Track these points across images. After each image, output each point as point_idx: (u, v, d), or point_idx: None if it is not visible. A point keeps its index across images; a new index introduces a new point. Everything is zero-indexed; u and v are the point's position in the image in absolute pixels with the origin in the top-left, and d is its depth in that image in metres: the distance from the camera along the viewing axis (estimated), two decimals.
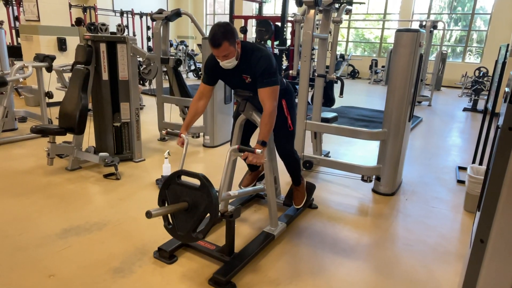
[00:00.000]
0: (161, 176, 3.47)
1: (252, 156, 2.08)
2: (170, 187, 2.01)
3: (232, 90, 2.87)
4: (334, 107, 5.30)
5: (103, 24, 3.62)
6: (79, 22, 8.58)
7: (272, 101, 2.14)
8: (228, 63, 2.17)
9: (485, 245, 1.36)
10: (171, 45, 10.91)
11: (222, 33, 2.04)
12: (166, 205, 2.01)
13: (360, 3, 5.08)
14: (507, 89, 1.46)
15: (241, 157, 2.15)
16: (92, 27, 3.62)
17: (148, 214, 1.72)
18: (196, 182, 1.94)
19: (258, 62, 2.17)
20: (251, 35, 13.09)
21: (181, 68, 7.42)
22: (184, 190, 1.96)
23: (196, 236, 1.90)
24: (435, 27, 8.09)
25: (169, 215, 1.99)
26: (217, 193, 1.92)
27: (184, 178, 2.01)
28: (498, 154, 1.28)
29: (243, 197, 3.04)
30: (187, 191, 1.95)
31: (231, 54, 2.13)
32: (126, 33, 3.78)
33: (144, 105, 6.98)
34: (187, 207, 1.91)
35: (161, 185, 2.05)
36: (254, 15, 13.63)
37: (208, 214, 1.90)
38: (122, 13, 12.65)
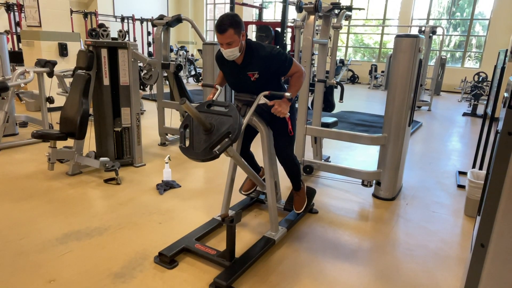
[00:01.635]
0: (162, 180, 3.48)
1: (278, 104, 2.22)
2: None
3: (233, 95, 2.89)
4: (334, 112, 5.31)
5: (105, 30, 3.64)
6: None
7: (299, 68, 2.36)
8: (230, 53, 2.20)
9: (486, 249, 1.37)
10: (172, 50, 10.96)
11: (229, 21, 2.12)
12: (188, 130, 2.08)
13: (360, 9, 5.12)
14: (506, 94, 1.47)
15: (269, 103, 2.26)
16: (93, 33, 3.63)
17: (182, 100, 1.77)
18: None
19: (270, 59, 2.26)
20: None
21: (181, 73, 7.44)
22: (209, 115, 2.04)
23: (213, 153, 1.93)
24: (434, 32, 8.13)
25: (187, 136, 2.07)
26: (241, 118, 2.02)
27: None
28: (498, 158, 1.29)
29: (243, 202, 3.05)
30: (212, 116, 2.03)
31: (235, 44, 2.16)
32: (127, 38, 3.80)
33: (145, 110, 6.99)
34: (210, 128, 1.98)
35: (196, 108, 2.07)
36: (254, 20, 13.69)
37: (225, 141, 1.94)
38: (123, 18, 12.72)
